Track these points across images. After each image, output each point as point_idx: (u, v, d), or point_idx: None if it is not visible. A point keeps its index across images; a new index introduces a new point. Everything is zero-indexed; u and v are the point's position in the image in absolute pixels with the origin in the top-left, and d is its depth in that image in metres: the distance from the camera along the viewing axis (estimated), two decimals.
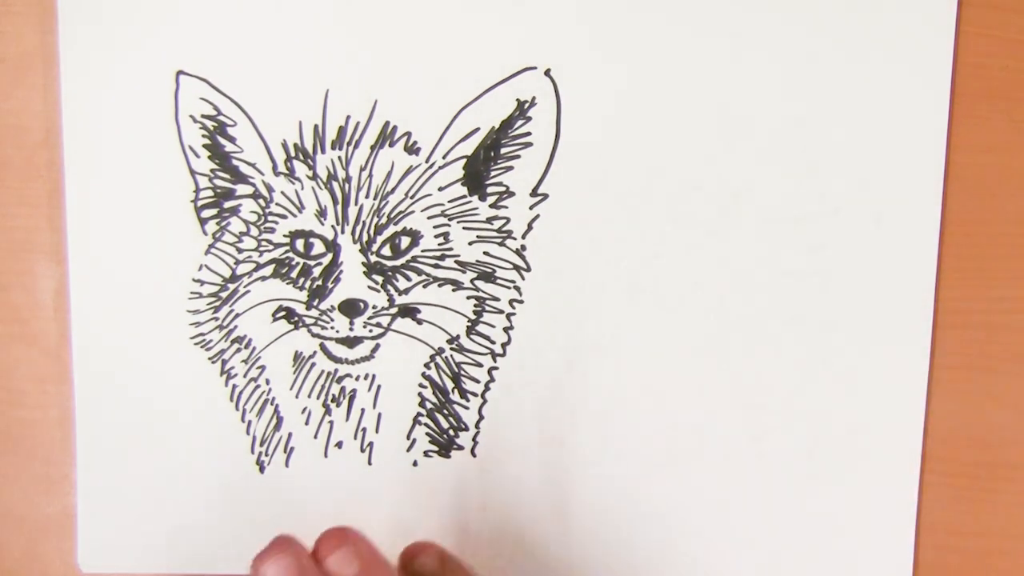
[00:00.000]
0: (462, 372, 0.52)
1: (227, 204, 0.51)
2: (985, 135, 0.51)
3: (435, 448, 0.53)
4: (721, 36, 0.50)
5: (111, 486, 0.53)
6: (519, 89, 0.50)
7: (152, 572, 0.54)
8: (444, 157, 0.51)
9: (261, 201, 0.51)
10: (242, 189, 0.51)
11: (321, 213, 0.51)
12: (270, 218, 0.51)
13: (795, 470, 0.53)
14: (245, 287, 0.52)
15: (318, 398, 0.53)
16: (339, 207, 0.51)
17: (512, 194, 0.51)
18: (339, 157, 0.51)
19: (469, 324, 0.52)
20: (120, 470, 0.53)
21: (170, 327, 0.52)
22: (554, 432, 0.53)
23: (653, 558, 0.54)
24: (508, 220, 0.51)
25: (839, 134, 0.51)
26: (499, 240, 0.51)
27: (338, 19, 0.50)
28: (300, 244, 0.51)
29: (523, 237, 0.51)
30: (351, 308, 0.51)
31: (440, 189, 0.51)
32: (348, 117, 0.50)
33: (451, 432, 0.53)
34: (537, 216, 0.51)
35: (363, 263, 0.51)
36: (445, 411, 0.53)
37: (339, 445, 0.53)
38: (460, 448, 0.53)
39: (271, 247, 0.51)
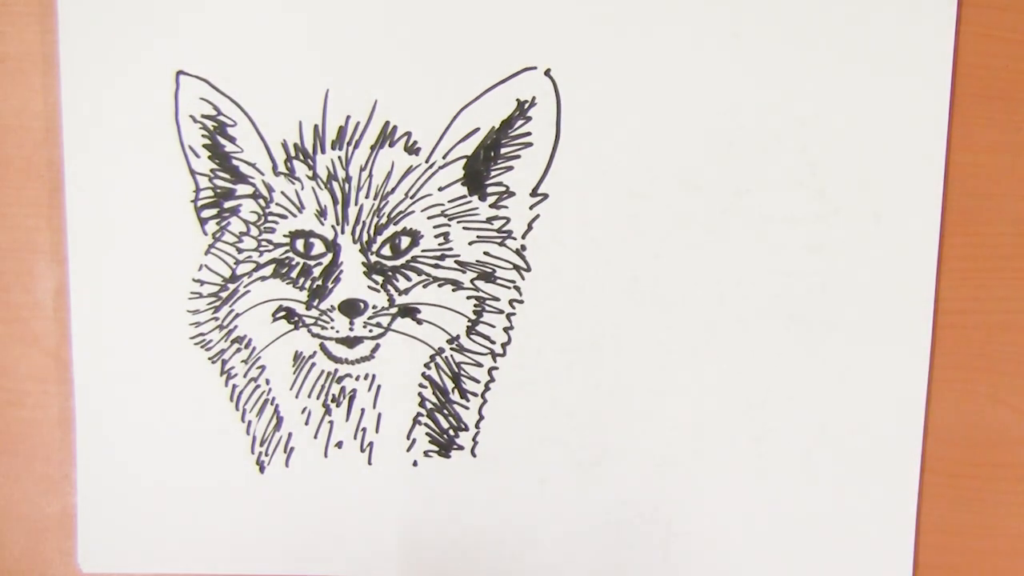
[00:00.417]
0: (462, 372, 0.52)
1: (227, 204, 0.51)
2: (985, 135, 0.51)
3: (435, 448, 0.53)
4: (721, 36, 0.50)
5: (111, 486, 0.53)
6: (519, 89, 0.50)
7: (152, 572, 0.54)
8: (444, 157, 0.51)
9: (261, 201, 0.51)
10: (242, 189, 0.51)
11: (321, 213, 0.51)
12: (270, 218, 0.51)
13: (795, 470, 0.53)
14: (245, 287, 0.52)
15: (318, 398, 0.53)
16: (339, 207, 0.51)
17: (512, 194, 0.51)
18: (339, 157, 0.51)
19: (469, 324, 0.52)
20: (120, 470, 0.53)
21: (170, 327, 0.52)
22: (554, 432, 0.53)
23: (653, 558, 0.54)
24: (508, 220, 0.51)
25: (839, 134, 0.51)
26: (499, 240, 0.51)
27: (338, 19, 0.50)
28: (300, 244, 0.51)
29: (523, 237, 0.51)
30: (351, 308, 0.51)
31: (440, 189, 0.51)
32: (348, 117, 0.50)
33: (451, 432, 0.53)
34: (537, 216, 0.51)
35: (363, 263, 0.51)
36: (445, 411, 0.53)
37: (339, 445, 0.53)
38: (460, 448, 0.53)
39: (271, 247, 0.51)
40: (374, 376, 0.52)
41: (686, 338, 0.52)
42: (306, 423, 0.53)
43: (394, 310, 0.51)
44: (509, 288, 0.52)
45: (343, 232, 0.51)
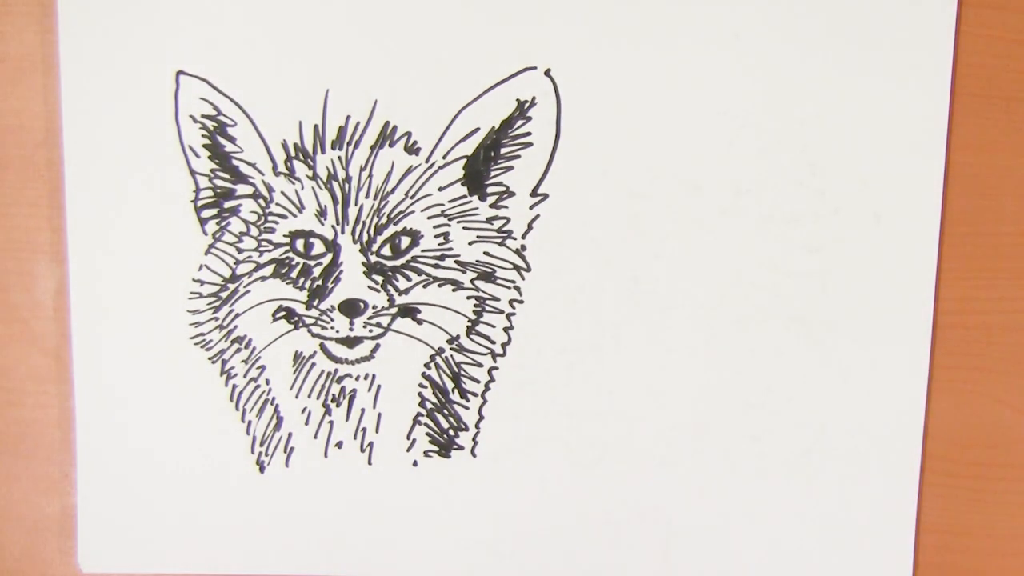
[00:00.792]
0: (462, 372, 0.52)
1: (227, 204, 0.51)
2: (985, 135, 0.51)
3: (435, 448, 0.53)
4: (722, 37, 0.50)
5: (111, 486, 0.53)
6: (519, 89, 0.50)
7: (152, 572, 0.54)
8: (444, 157, 0.51)
9: (261, 201, 0.51)
10: (242, 189, 0.51)
11: (321, 213, 0.51)
12: (270, 218, 0.51)
13: (795, 470, 0.53)
14: (245, 287, 0.52)
15: (318, 398, 0.53)
16: (339, 207, 0.51)
17: (512, 194, 0.51)
18: (339, 157, 0.51)
19: (469, 324, 0.52)
20: (120, 470, 0.53)
21: (170, 327, 0.52)
22: (554, 432, 0.53)
23: (653, 558, 0.54)
24: (508, 220, 0.51)
25: (839, 134, 0.51)
26: (499, 240, 0.51)
27: (338, 19, 0.50)
28: (300, 244, 0.51)
29: (523, 237, 0.51)
30: (351, 308, 0.51)
31: (440, 189, 0.51)
32: (348, 117, 0.50)
33: (451, 432, 0.53)
34: (537, 216, 0.51)
35: (363, 263, 0.51)
36: (445, 411, 0.53)
37: (339, 445, 0.53)
38: (460, 448, 0.53)
39: (271, 247, 0.51)
40: (374, 376, 0.52)
41: (686, 338, 0.52)
42: (306, 423, 0.53)
43: (394, 310, 0.51)
44: (509, 288, 0.52)
45: (343, 232, 0.51)
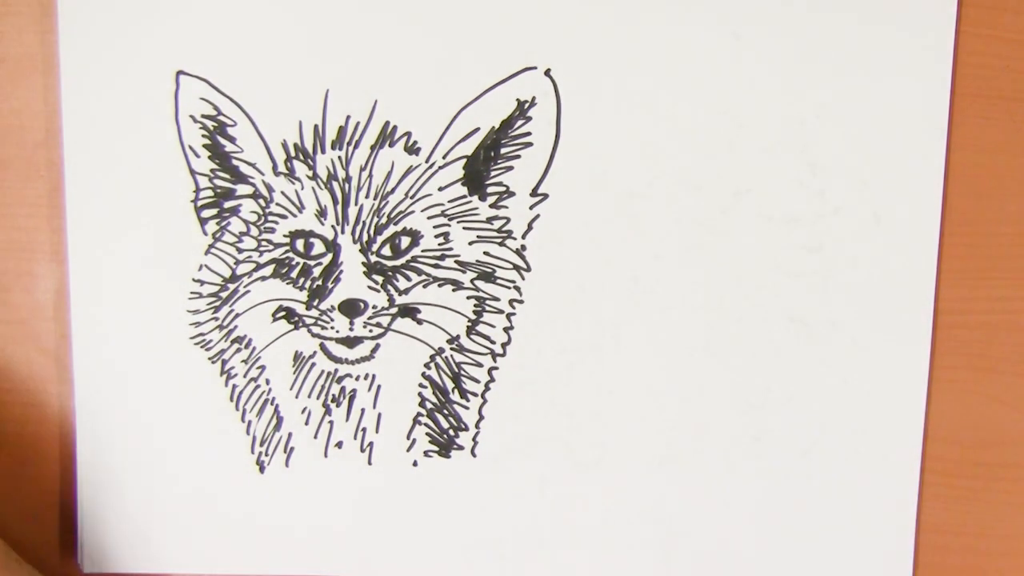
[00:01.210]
0: (462, 372, 0.52)
1: (227, 204, 0.51)
2: (985, 135, 0.51)
3: (435, 448, 0.53)
4: (721, 36, 0.50)
5: (111, 486, 0.53)
6: (519, 89, 0.50)
7: (152, 572, 0.54)
8: (444, 157, 0.51)
9: (261, 201, 0.51)
10: (242, 189, 0.51)
11: (321, 213, 0.51)
12: (270, 218, 0.51)
13: (795, 470, 0.53)
14: (245, 287, 0.52)
15: (318, 398, 0.53)
16: (339, 207, 0.51)
17: (512, 194, 0.51)
18: (339, 157, 0.51)
19: (469, 324, 0.52)
20: (120, 470, 0.53)
21: (170, 327, 0.52)
22: (554, 432, 0.53)
23: (653, 558, 0.54)
24: (508, 220, 0.51)
25: (839, 134, 0.51)
26: (499, 240, 0.51)
27: (338, 19, 0.50)
28: (300, 244, 0.51)
29: (523, 237, 0.51)
30: (351, 308, 0.51)
31: (440, 189, 0.51)
32: (348, 117, 0.50)
33: (451, 432, 0.53)
34: (537, 216, 0.51)
35: (363, 263, 0.51)
36: (445, 411, 0.53)
37: (339, 445, 0.53)
38: (460, 448, 0.53)
39: (271, 247, 0.51)
40: (374, 376, 0.52)
41: (686, 338, 0.52)
42: (306, 423, 0.53)
43: (394, 310, 0.51)
44: (509, 288, 0.52)
45: (343, 232, 0.51)
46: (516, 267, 0.52)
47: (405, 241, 0.51)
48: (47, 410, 0.53)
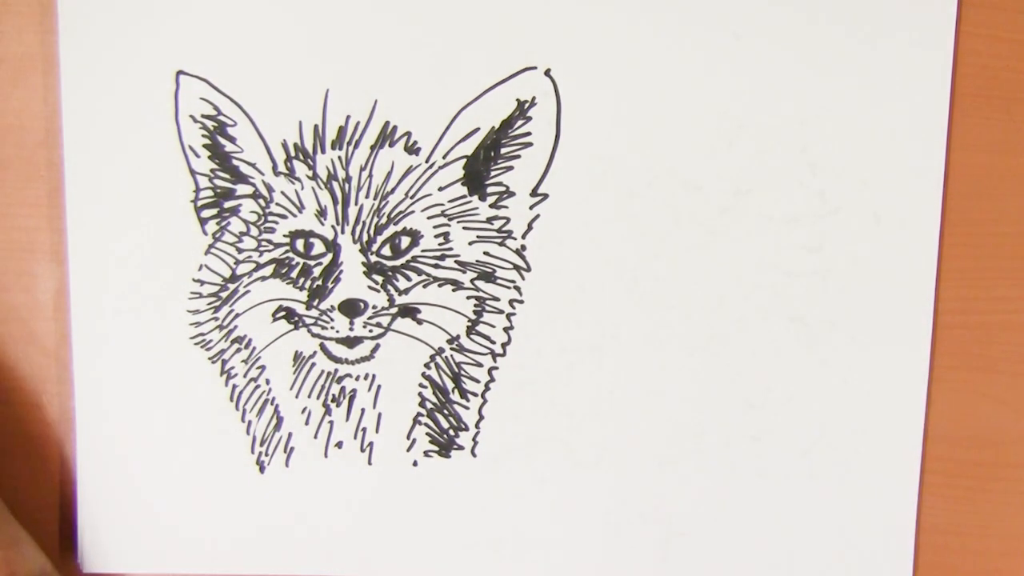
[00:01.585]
0: (462, 372, 0.52)
1: (227, 204, 0.51)
2: (985, 135, 0.51)
3: (435, 448, 0.53)
4: (721, 36, 0.50)
5: (111, 486, 0.53)
6: (519, 89, 0.50)
7: (152, 572, 0.54)
8: (444, 157, 0.51)
9: (261, 201, 0.51)
10: (242, 189, 0.51)
11: (321, 213, 0.51)
12: (270, 218, 0.51)
13: (795, 470, 0.53)
14: (245, 287, 0.52)
15: (318, 398, 0.53)
16: (339, 207, 0.51)
17: (512, 194, 0.51)
18: (339, 157, 0.51)
19: (469, 324, 0.52)
20: (120, 470, 0.53)
21: (170, 327, 0.52)
22: (554, 432, 0.53)
23: (653, 558, 0.54)
24: (508, 220, 0.51)
25: (839, 134, 0.51)
26: (499, 240, 0.51)
27: (338, 19, 0.50)
28: (300, 244, 0.51)
29: (523, 237, 0.51)
30: (351, 308, 0.51)
31: (440, 189, 0.51)
32: (348, 117, 0.50)
33: (451, 432, 0.53)
34: (537, 216, 0.51)
35: (363, 263, 0.51)
36: (445, 411, 0.53)
37: (339, 445, 0.53)
38: (460, 448, 0.53)
39: (271, 247, 0.51)
40: (374, 376, 0.52)
41: (686, 338, 0.52)
42: (306, 423, 0.53)
43: (394, 310, 0.51)
44: (509, 288, 0.52)
45: (343, 232, 0.51)
46: (516, 267, 0.52)
47: (405, 241, 0.51)
48: (47, 410, 0.53)
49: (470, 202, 0.51)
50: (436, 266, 0.51)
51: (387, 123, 0.50)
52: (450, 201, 0.51)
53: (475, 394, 0.53)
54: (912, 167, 0.51)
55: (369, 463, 0.53)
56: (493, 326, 0.52)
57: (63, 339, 0.52)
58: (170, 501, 0.53)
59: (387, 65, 0.50)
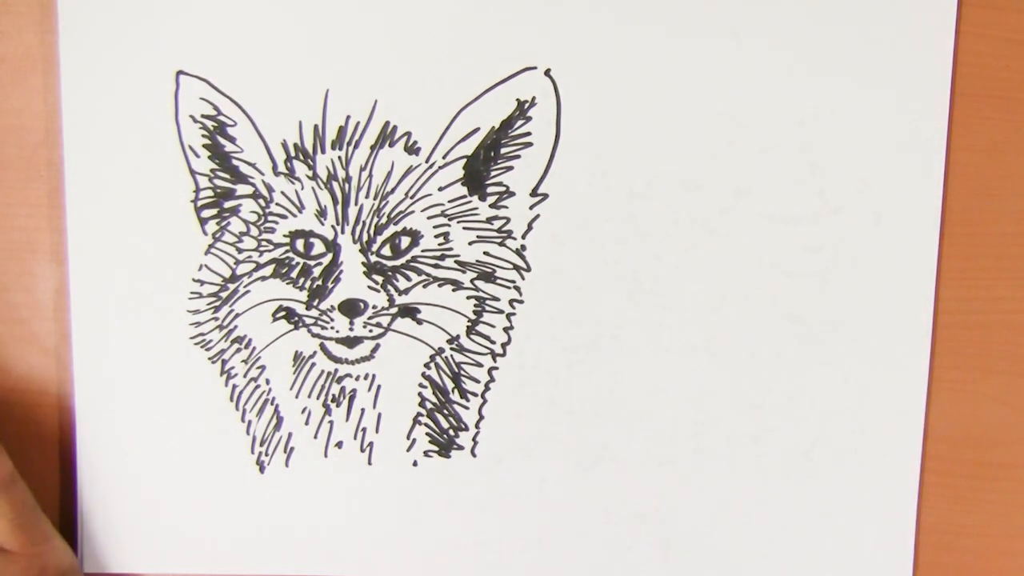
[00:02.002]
0: (462, 372, 0.52)
1: (227, 204, 0.51)
2: (985, 135, 0.51)
3: (435, 448, 0.53)
4: (721, 36, 0.50)
5: (111, 486, 0.53)
6: (519, 89, 0.50)
7: (152, 572, 0.54)
8: (444, 157, 0.51)
9: (261, 201, 0.51)
10: (242, 189, 0.51)
11: (321, 213, 0.51)
12: (270, 218, 0.51)
13: (795, 470, 0.53)
14: (245, 287, 0.52)
15: (318, 398, 0.53)
16: (339, 207, 0.51)
17: (512, 194, 0.51)
18: (339, 157, 0.51)
19: (469, 324, 0.52)
20: (120, 470, 0.53)
21: (170, 327, 0.52)
22: (554, 432, 0.53)
23: (653, 558, 0.54)
24: (508, 220, 0.51)
25: (839, 134, 0.51)
26: (499, 240, 0.51)
27: (338, 19, 0.50)
28: (300, 244, 0.51)
29: (523, 237, 0.51)
30: (351, 308, 0.51)
31: (440, 189, 0.51)
32: (348, 117, 0.50)
33: (451, 432, 0.53)
34: (537, 216, 0.51)
35: (363, 263, 0.51)
36: (445, 411, 0.53)
37: (339, 445, 0.53)
38: (460, 448, 0.53)
39: (271, 247, 0.51)
40: (374, 376, 0.52)
41: (686, 338, 0.52)
42: (306, 423, 0.53)
43: (394, 310, 0.51)
44: (509, 288, 0.52)
45: (343, 232, 0.51)
46: (516, 267, 0.52)
47: (405, 241, 0.51)
48: (47, 410, 0.53)
49: (470, 202, 0.51)
50: (436, 266, 0.51)
51: (387, 123, 0.50)
52: (450, 201, 0.51)
53: (475, 394, 0.53)
54: (912, 167, 0.51)
55: (369, 463, 0.53)
56: (493, 326, 0.52)
57: (63, 339, 0.52)
58: (170, 501, 0.53)
59: (387, 65, 0.50)
